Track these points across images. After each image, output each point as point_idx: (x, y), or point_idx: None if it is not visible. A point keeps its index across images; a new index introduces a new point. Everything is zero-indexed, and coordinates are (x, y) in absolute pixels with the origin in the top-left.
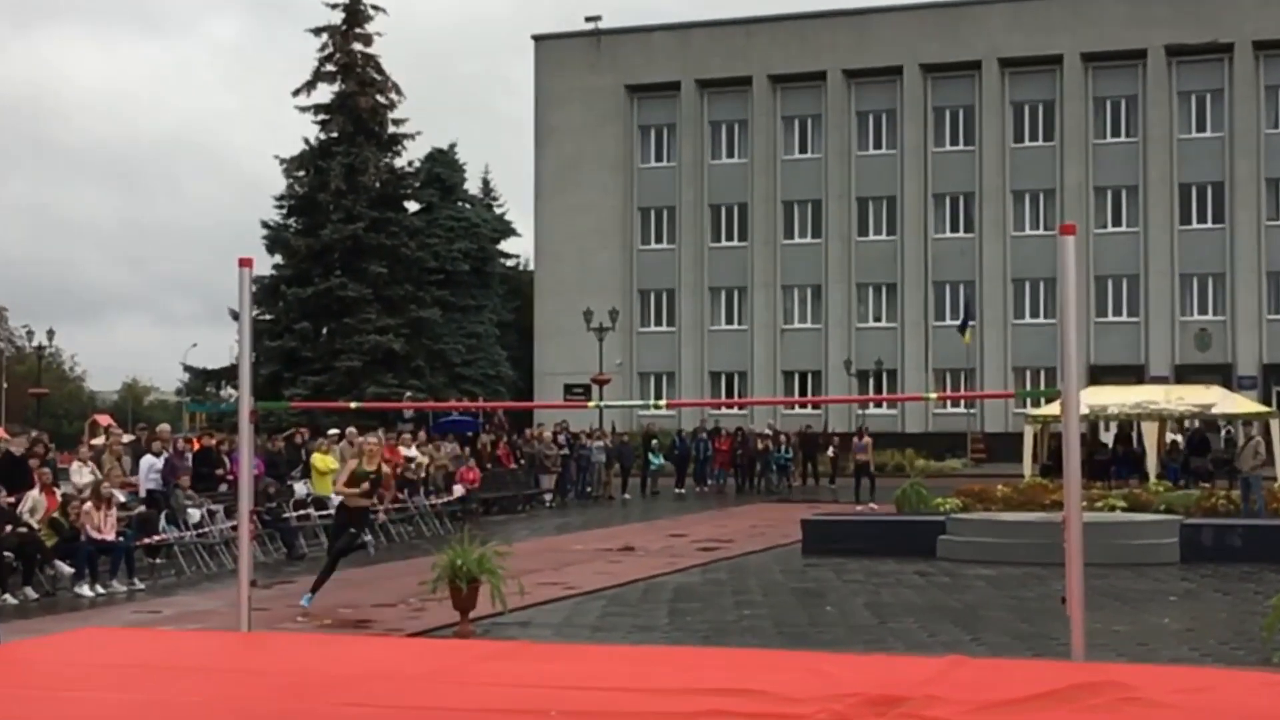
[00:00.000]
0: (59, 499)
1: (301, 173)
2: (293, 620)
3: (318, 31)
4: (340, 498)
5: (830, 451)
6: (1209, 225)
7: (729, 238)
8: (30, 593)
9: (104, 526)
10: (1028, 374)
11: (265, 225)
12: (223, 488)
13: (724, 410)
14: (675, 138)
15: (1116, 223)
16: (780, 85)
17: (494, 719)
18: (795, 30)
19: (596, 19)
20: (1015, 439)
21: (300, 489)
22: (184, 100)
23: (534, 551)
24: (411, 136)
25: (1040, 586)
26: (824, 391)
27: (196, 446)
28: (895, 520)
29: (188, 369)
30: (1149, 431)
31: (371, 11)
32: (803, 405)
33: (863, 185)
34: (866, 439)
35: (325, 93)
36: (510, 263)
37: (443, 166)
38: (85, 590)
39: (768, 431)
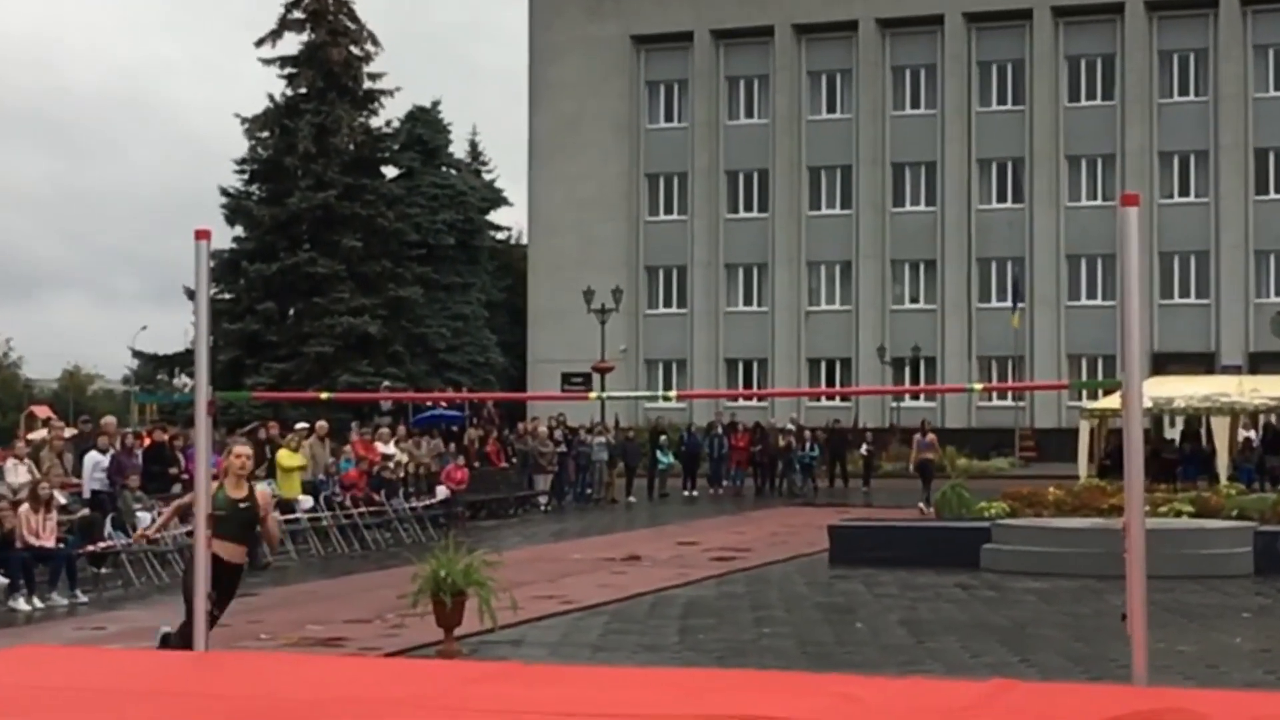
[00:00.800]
0: None
1: (265, 133)
2: (255, 638)
3: None
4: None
5: (862, 449)
6: None
7: (747, 208)
8: None
9: (42, 532)
10: (1084, 362)
11: (224, 193)
12: (177, 488)
13: (741, 402)
14: (687, 95)
15: (1184, 192)
16: (806, 36)
17: None
18: None
19: None
20: (1069, 436)
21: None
22: (126, 50)
23: (527, 561)
24: (389, 93)
25: (1097, 601)
26: (854, 381)
27: (147, 442)
28: (934, 527)
29: (136, 355)
30: (1219, 428)
31: None
32: (830, 397)
33: (898, 149)
34: (931, 435)
35: (292, 43)
36: (501, 236)
37: (425, 127)
38: (21, 604)
39: (790, 426)
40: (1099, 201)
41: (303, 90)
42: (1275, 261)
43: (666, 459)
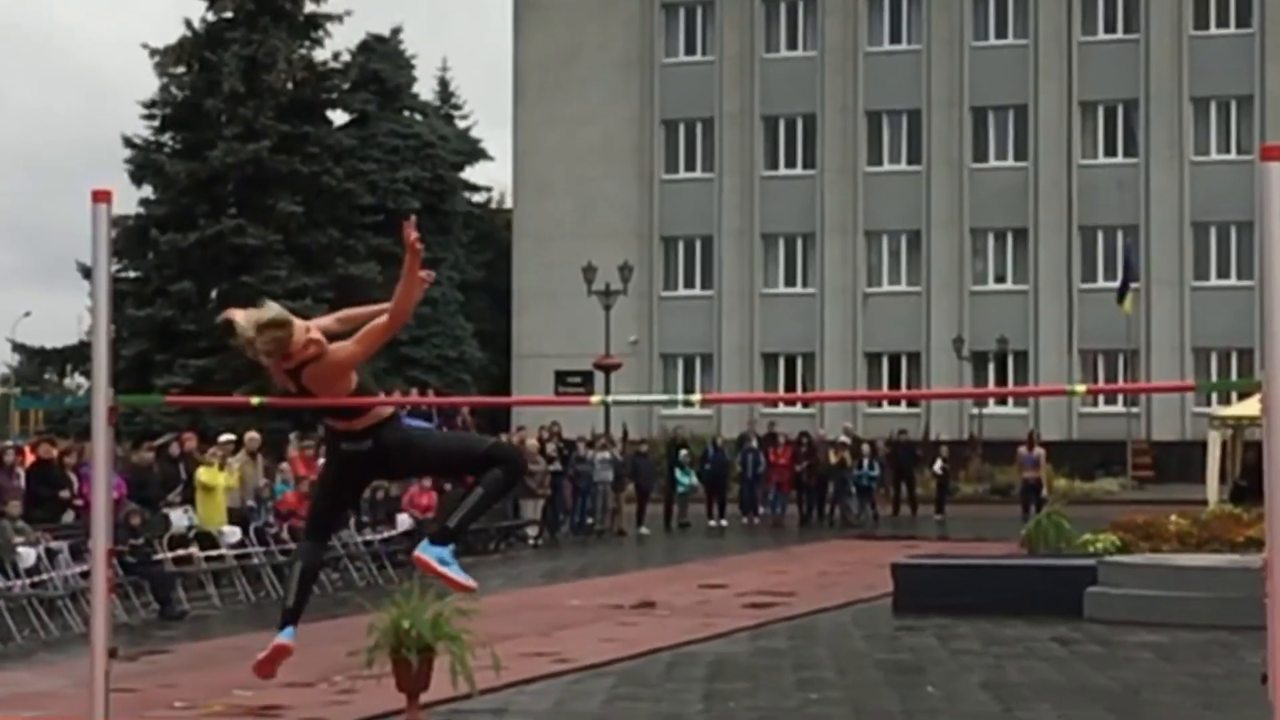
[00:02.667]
0: None
1: (181, 69)
2: (168, 706)
3: None
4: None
5: (935, 467)
6: None
7: (789, 163)
8: None
9: None
10: (1213, 357)
11: (129, 143)
12: (69, 517)
13: (782, 408)
14: (713, 21)
15: None
16: None
17: None
18: None
19: None
20: (1195, 450)
21: (179, 518)
22: None
23: (513, 609)
24: (337, 18)
25: (1229, 659)
26: (924, 381)
27: (31, 459)
28: (1025, 565)
29: (17, 348)
30: None
31: None
32: (894, 401)
33: (979, 89)
34: (1038, 450)
35: None
36: (478, 198)
37: (382, 61)
38: None
39: (844, 438)
40: (1232, 155)
41: (228, 15)
42: None
43: (687, 479)
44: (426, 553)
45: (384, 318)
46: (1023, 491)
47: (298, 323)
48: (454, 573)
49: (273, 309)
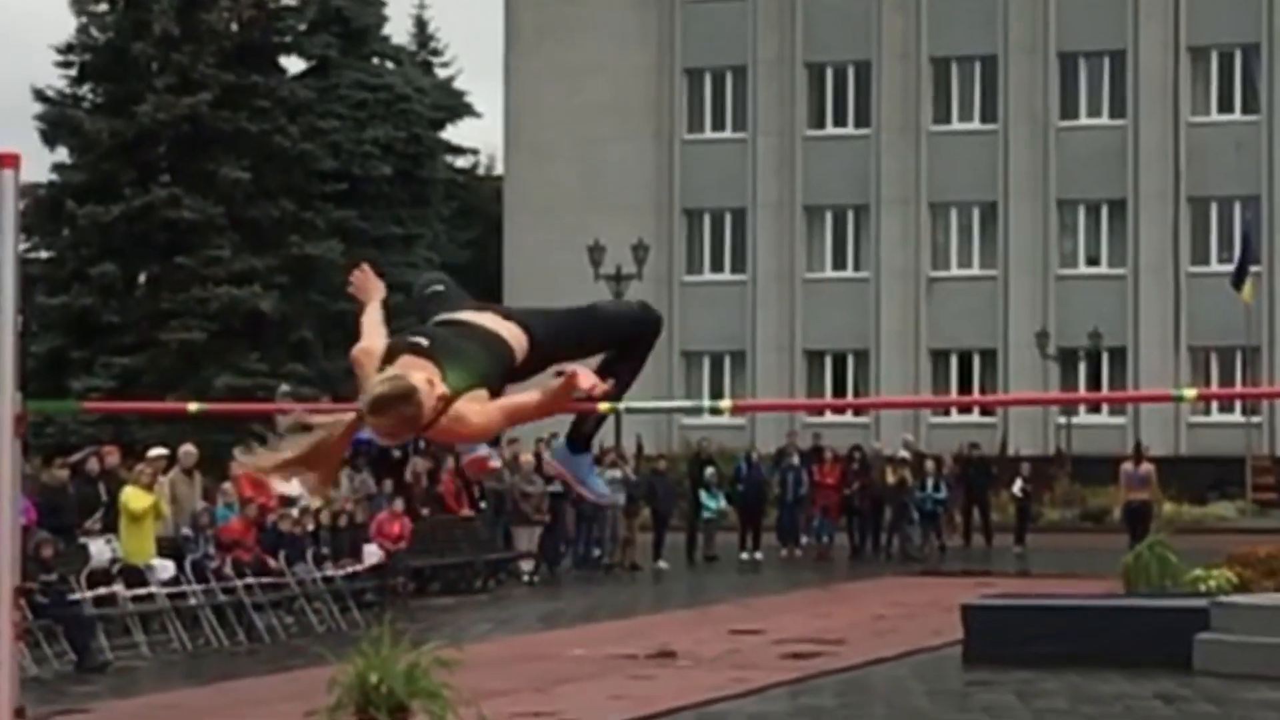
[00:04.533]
0: None
1: (102, 7)
2: None
3: None
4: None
5: (1015, 488)
6: None
7: (838, 121)
8: None
9: None
10: None
11: (40, 97)
12: None
13: (829, 416)
14: None
15: None
16: None
17: None
18: None
19: None
20: None
21: (100, 550)
22: None
23: (504, 659)
24: None
25: None
26: (1001, 384)
27: None
28: (1123, 607)
29: None
30: None
31: None
32: (965, 408)
33: (1066, 33)
34: (1147, 466)
35: None
36: (463, 163)
37: None
38: None
39: (905, 453)
40: None
41: None
42: None
43: (715, 503)
44: (565, 460)
45: (534, 402)
46: (1128, 517)
47: (418, 379)
48: (592, 485)
49: (385, 375)
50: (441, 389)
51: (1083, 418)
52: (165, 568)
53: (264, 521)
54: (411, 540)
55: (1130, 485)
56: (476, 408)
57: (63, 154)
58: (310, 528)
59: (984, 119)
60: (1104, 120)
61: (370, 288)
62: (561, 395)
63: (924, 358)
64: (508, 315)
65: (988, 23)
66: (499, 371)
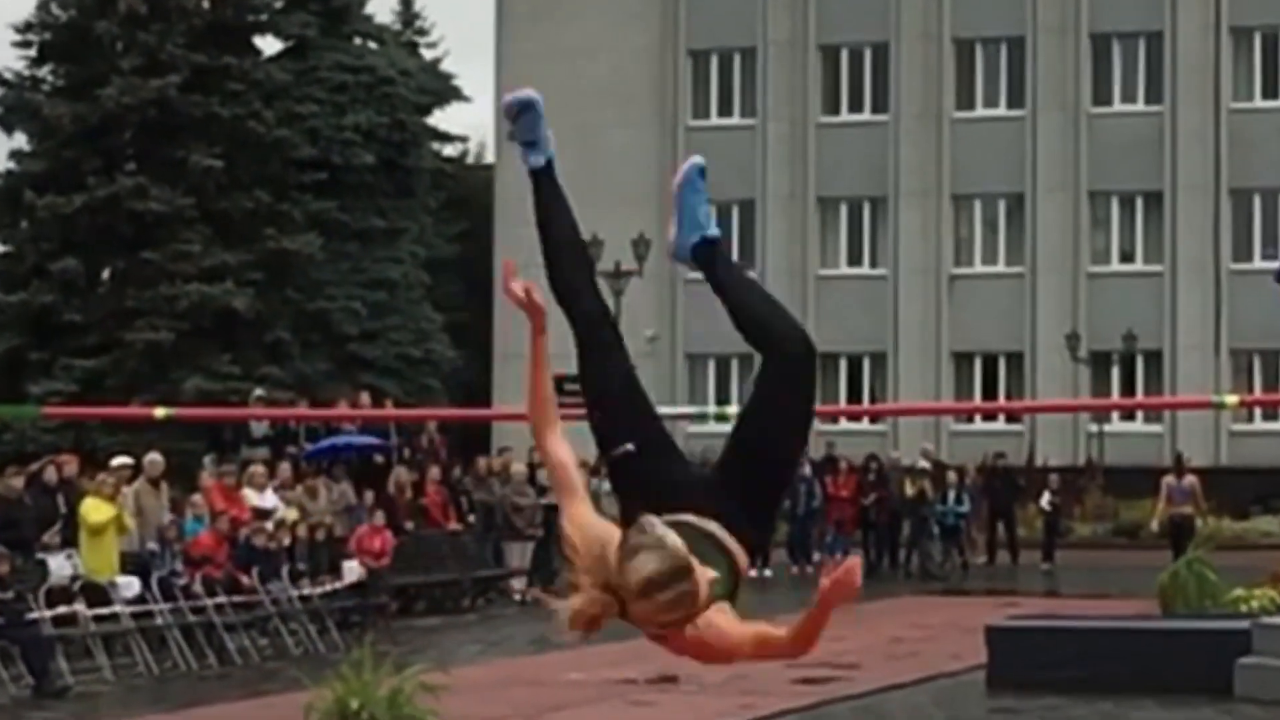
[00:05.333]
0: None
1: None
2: None
3: None
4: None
5: (1043, 501)
6: None
7: (854, 107)
8: None
9: None
10: None
11: None
12: None
13: (844, 424)
14: None
15: None
16: None
17: None
18: None
19: None
20: None
21: (60, 566)
22: None
23: (494, 684)
24: None
25: None
26: (1028, 389)
27: None
28: (1159, 629)
29: None
30: None
31: None
32: (989, 415)
33: (1099, 13)
34: (1190, 479)
35: None
36: (450, 150)
37: None
38: None
39: (924, 464)
40: None
41: None
42: None
43: None
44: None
45: (786, 638)
46: (1172, 528)
47: (694, 562)
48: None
49: (662, 548)
50: (710, 574)
51: (1116, 426)
52: (130, 585)
53: (236, 536)
54: (394, 556)
55: (1172, 499)
56: (735, 623)
57: (21, 140)
58: (286, 542)
59: (1010, 105)
60: (1139, 106)
61: (532, 306)
62: (814, 634)
63: (945, 361)
64: (728, 522)
65: (1015, 2)
66: (729, 594)
